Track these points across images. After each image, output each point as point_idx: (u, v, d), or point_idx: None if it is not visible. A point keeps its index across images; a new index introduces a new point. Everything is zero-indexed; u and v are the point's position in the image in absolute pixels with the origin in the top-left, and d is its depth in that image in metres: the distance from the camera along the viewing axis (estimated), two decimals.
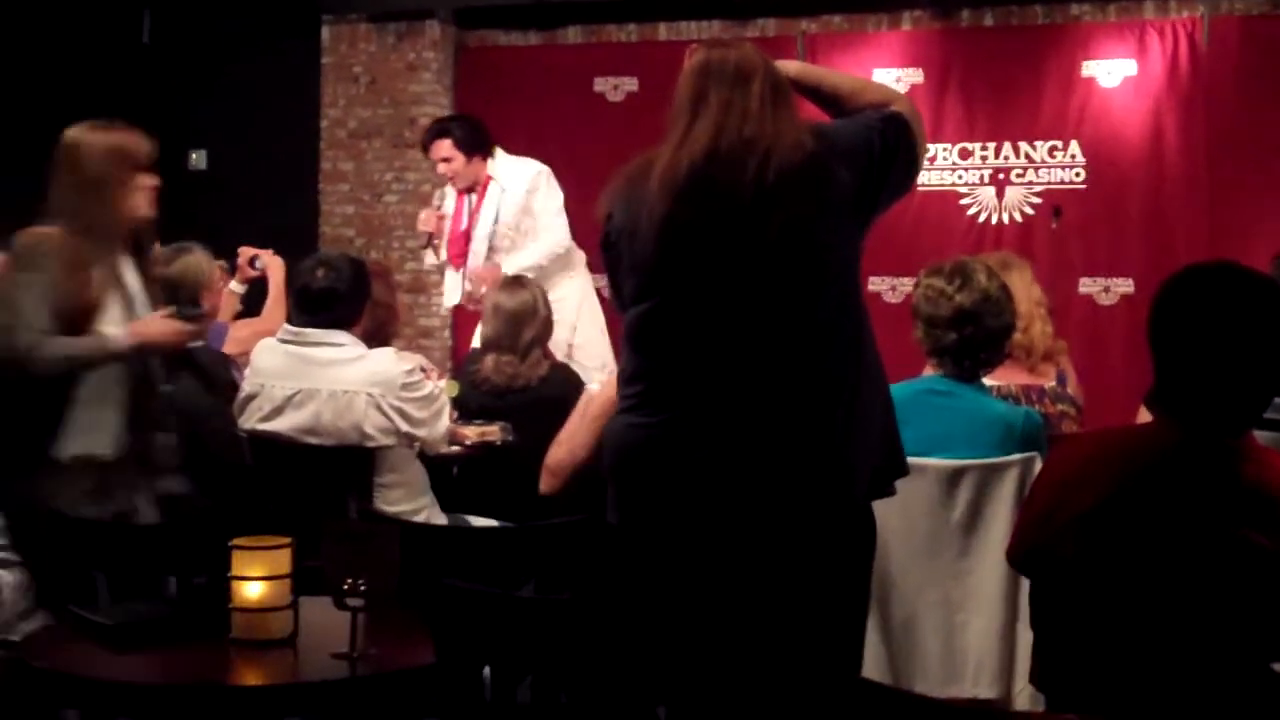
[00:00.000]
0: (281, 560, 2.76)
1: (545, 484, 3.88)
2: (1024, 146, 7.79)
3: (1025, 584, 3.06)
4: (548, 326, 5.15)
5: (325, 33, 8.81)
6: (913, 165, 2.89)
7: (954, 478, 3.58)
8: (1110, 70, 7.68)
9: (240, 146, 8.82)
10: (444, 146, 6.38)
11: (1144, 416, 2.70)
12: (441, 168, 6.44)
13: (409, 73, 8.67)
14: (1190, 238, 7.41)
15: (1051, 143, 7.74)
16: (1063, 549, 2.48)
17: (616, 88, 8.43)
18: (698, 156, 2.73)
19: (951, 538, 3.60)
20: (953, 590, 3.61)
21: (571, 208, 6.43)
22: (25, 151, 8.53)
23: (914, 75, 7.96)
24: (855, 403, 2.72)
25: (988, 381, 3.97)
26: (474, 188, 6.45)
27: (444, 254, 6.51)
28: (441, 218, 6.47)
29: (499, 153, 6.47)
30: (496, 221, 6.38)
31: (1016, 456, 3.58)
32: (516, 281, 5.33)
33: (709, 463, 2.70)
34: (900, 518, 3.43)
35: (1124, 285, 7.63)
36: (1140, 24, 7.67)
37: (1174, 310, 2.51)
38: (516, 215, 6.38)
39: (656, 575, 2.76)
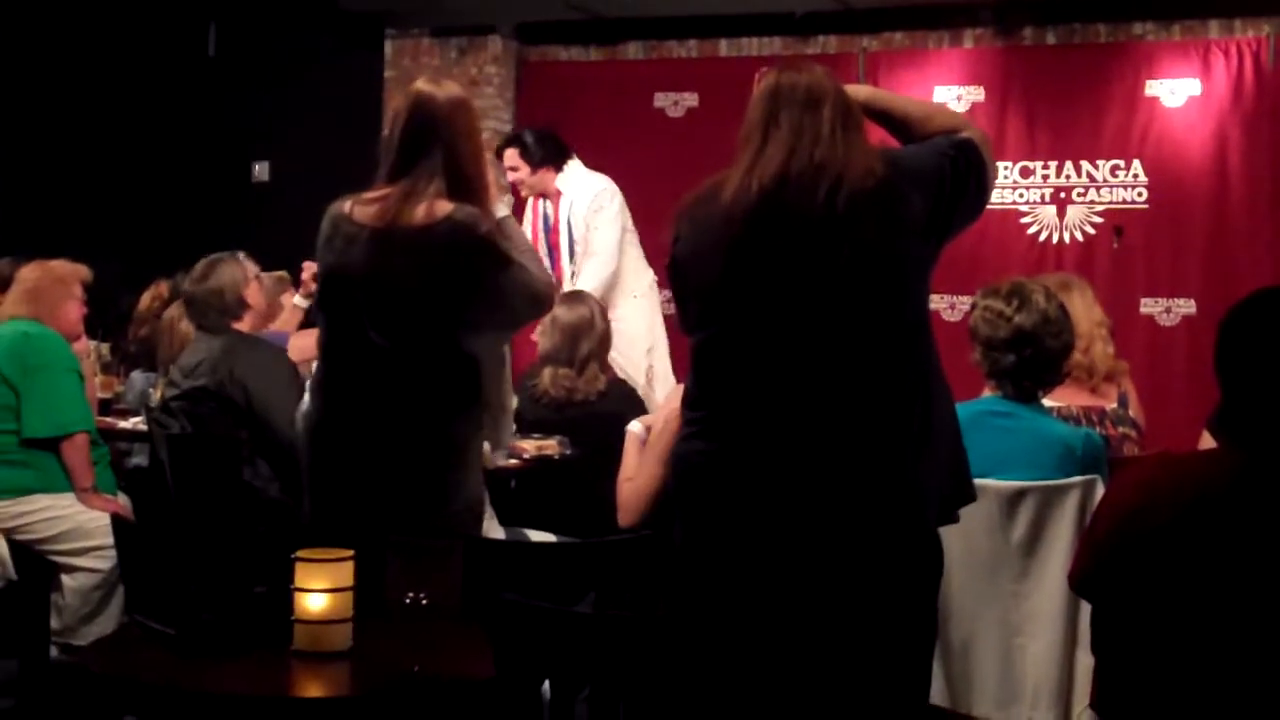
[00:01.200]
0: (344, 573, 2.78)
1: (622, 519, 3.87)
2: (1086, 165, 7.75)
3: (1085, 607, 3.04)
4: (605, 341, 5.16)
5: (388, 47, 8.89)
6: (984, 192, 2.88)
7: (1014, 499, 3.56)
8: (1174, 89, 7.63)
9: (303, 159, 8.91)
10: (511, 155, 6.55)
11: (1206, 440, 2.68)
12: (509, 175, 6.61)
13: (471, 87, 8.70)
14: (1253, 258, 7.35)
15: (1113, 162, 7.69)
16: (1125, 574, 2.47)
17: (677, 103, 8.46)
18: (768, 181, 2.72)
19: (1011, 560, 3.58)
20: (1012, 612, 3.59)
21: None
22: (92, 162, 8.67)
23: (975, 93, 7.93)
24: (926, 429, 2.71)
25: (1048, 402, 3.94)
26: (546, 196, 6.58)
27: None
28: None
29: (571, 165, 6.57)
30: (571, 237, 6.49)
31: (1077, 479, 3.55)
32: (575, 295, 5.36)
33: (777, 489, 2.69)
34: (959, 539, 3.39)
35: (1186, 306, 7.57)
36: (1205, 43, 7.60)
37: (1242, 335, 2.49)
38: (581, 230, 6.47)
39: (722, 597, 2.75)
